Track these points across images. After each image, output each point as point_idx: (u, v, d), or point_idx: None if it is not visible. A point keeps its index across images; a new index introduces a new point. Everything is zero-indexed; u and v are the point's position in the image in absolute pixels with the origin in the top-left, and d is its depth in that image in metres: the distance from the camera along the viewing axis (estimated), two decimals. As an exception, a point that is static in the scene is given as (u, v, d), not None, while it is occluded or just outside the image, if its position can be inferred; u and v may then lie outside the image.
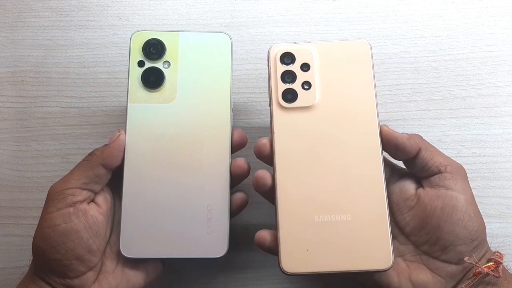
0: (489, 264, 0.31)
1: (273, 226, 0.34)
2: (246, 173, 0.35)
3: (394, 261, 0.32)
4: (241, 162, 0.35)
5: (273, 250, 0.33)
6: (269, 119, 0.35)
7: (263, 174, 0.34)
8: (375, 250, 0.32)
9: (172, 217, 0.34)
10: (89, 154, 0.34)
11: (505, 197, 0.42)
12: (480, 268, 0.31)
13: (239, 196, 0.36)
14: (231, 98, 0.36)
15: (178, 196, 0.34)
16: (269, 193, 0.34)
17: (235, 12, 0.46)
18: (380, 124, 0.34)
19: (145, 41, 0.36)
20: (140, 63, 0.36)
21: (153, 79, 0.36)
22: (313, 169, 0.33)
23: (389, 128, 0.34)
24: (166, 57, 0.36)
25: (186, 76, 0.36)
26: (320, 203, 0.33)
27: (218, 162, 0.35)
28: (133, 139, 0.35)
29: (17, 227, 0.42)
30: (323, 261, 0.32)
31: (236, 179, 0.36)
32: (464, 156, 0.43)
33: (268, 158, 0.35)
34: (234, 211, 0.36)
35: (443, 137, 0.43)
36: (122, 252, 0.34)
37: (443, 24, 0.46)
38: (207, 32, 0.37)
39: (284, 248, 0.32)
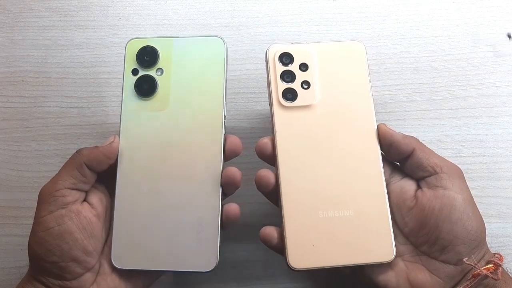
0: (488, 266, 0.31)
1: (274, 225, 0.34)
2: (238, 183, 0.34)
3: (396, 253, 0.33)
4: (231, 172, 0.34)
5: (279, 247, 0.33)
6: (270, 118, 0.35)
7: (265, 173, 0.34)
8: (378, 243, 0.33)
9: (162, 229, 0.33)
10: (76, 152, 0.34)
11: (505, 197, 0.42)
12: (479, 270, 0.31)
13: (231, 207, 0.34)
14: (225, 105, 0.35)
15: (169, 208, 0.34)
16: (271, 192, 0.34)
17: (235, 12, 0.46)
18: (378, 122, 0.35)
19: (139, 48, 0.36)
20: (134, 71, 0.36)
21: (146, 87, 0.35)
22: (315, 167, 0.34)
23: (386, 126, 0.34)
24: (159, 64, 0.36)
25: (179, 83, 0.35)
26: (323, 199, 0.33)
27: (209, 172, 0.34)
28: (126, 148, 0.34)
29: (17, 227, 0.42)
30: (329, 255, 0.33)
31: (228, 189, 0.34)
32: (464, 156, 0.43)
33: (269, 157, 0.35)
34: (225, 223, 0.34)
35: (443, 137, 0.43)
36: (113, 262, 0.33)
37: (443, 24, 0.46)
38: (201, 36, 0.36)
39: (290, 245, 0.33)
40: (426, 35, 0.46)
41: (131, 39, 0.36)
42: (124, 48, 0.36)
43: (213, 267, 0.33)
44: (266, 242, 0.34)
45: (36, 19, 0.46)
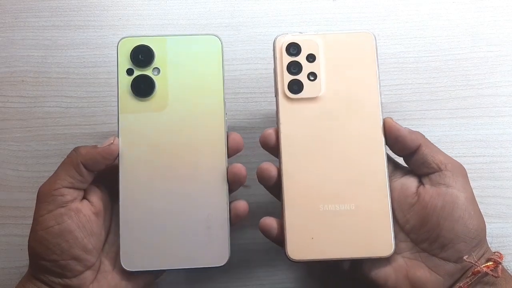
0: (488, 263, 0.31)
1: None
2: (243, 178, 0.34)
3: (395, 248, 0.33)
4: (237, 168, 0.34)
5: (278, 239, 0.33)
6: (275, 110, 0.35)
7: (268, 166, 0.34)
8: (377, 238, 0.33)
9: (171, 227, 0.34)
10: (73, 149, 0.34)
11: (505, 197, 0.42)
12: (479, 267, 0.31)
13: (239, 204, 0.34)
14: (225, 102, 0.35)
15: (176, 206, 0.34)
16: (273, 186, 0.34)
17: (235, 12, 0.46)
18: (385, 116, 0.35)
19: (133, 47, 0.35)
20: (129, 71, 0.35)
21: (143, 87, 0.35)
22: (318, 159, 0.34)
23: (393, 120, 0.34)
24: (155, 63, 0.35)
25: (176, 82, 0.35)
26: (325, 192, 0.34)
27: (215, 169, 0.34)
28: (127, 150, 0.34)
29: (17, 227, 0.42)
30: (328, 248, 0.33)
31: (234, 185, 0.35)
32: (464, 156, 0.43)
33: (273, 149, 0.35)
34: (233, 220, 0.35)
35: (443, 137, 0.43)
36: (123, 266, 0.33)
37: (443, 24, 0.46)
38: (196, 35, 0.36)
39: (290, 237, 0.33)
40: (426, 35, 0.46)
41: (122, 38, 0.36)
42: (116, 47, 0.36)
43: (225, 261, 0.34)
44: (265, 232, 0.34)
45: (36, 19, 0.46)
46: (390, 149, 0.35)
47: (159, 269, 0.34)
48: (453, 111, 0.44)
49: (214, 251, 0.34)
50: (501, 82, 0.45)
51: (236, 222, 0.35)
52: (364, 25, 0.46)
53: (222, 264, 0.34)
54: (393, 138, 0.34)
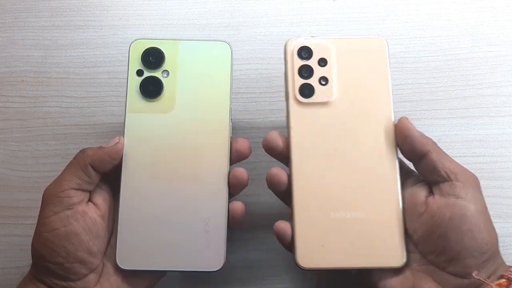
0: (500, 281, 0.29)
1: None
2: (245, 183, 0.34)
3: (407, 259, 0.32)
4: (239, 172, 0.34)
5: (290, 245, 0.33)
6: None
7: (277, 171, 0.33)
8: (389, 247, 0.32)
9: (169, 229, 0.34)
10: (80, 152, 0.33)
11: (505, 197, 0.42)
12: (489, 286, 0.29)
13: (236, 205, 0.34)
14: (230, 108, 0.35)
15: (176, 208, 0.34)
16: (282, 191, 0.34)
17: (235, 12, 0.46)
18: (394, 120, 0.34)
19: (144, 49, 0.36)
20: (139, 72, 0.36)
21: (151, 89, 0.35)
22: (329, 165, 0.33)
23: (408, 120, 0.34)
24: (165, 66, 0.36)
25: (185, 85, 0.36)
26: (336, 199, 0.33)
27: (216, 174, 0.34)
28: (131, 149, 0.34)
29: (17, 227, 0.42)
30: (338, 257, 0.32)
31: (235, 190, 0.35)
32: (464, 156, 0.43)
33: (279, 154, 0.34)
34: (231, 222, 0.34)
35: (443, 137, 0.43)
36: (118, 263, 0.33)
37: (443, 24, 0.46)
38: (207, 40, 0.37)
39: (300, 244, 0.32)
40: (426, 35, 0.46)
41: (135, 40, 0.36)
42: (128, 48, 0.36)
43: (220, 266, 0.33)
44: (279, 237, 0.33)
45: (36, 19, 0.46)
46: (400, 150, 0.34)
47: (152, 269, 0.34)
48: (453, 111, 0.44)
49: (210, 255, 0.33)
50: (501, 82, 0.45)
51: (234, 224, 0.34)
52: (364, 25, 0.46)
53: (216, 269, 0.33)
54: (402, 137, 0.33)
